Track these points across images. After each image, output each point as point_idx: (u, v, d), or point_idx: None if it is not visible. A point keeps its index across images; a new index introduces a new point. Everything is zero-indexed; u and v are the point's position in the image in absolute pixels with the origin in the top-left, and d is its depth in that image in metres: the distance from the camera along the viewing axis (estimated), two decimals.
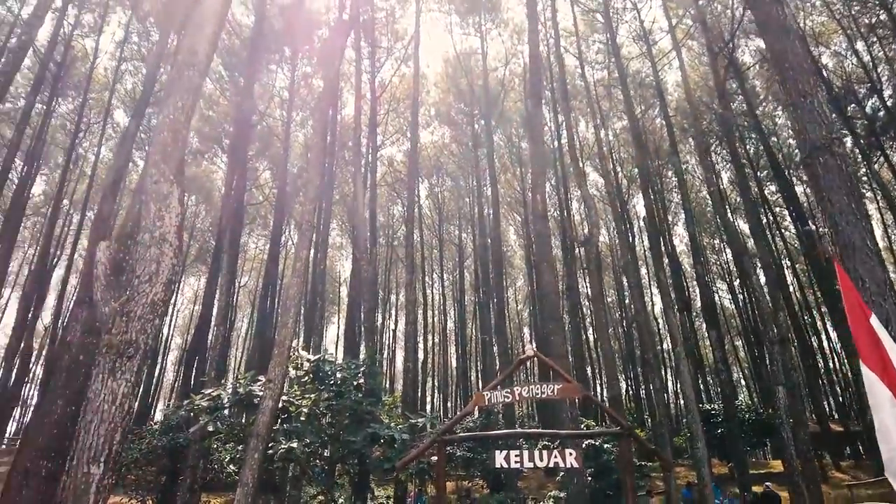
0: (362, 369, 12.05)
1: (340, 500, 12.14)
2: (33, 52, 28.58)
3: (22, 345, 27.21)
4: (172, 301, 48.79)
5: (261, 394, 9.39)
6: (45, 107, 29.87)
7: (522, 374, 52.38)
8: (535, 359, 8.13)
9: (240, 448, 12.22)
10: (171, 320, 51.88)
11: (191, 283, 56.89)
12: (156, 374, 45.80)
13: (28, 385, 38.98)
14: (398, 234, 51.41)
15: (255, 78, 29.52)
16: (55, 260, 36.33)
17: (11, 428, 42.67)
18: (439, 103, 42.70)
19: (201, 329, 21.59)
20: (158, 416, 38.43)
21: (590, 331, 48.36)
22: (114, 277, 5.31)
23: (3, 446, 31.04)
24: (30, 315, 28.07)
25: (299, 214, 8.89)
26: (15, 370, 26.45)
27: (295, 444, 9.51)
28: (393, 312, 59.63)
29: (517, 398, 7.57)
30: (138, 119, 15.18)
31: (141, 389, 38.54)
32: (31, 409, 37.14)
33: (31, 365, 37.31)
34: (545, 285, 13.22)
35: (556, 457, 6.97)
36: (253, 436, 8.15)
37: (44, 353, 38.73)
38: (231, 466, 12.84)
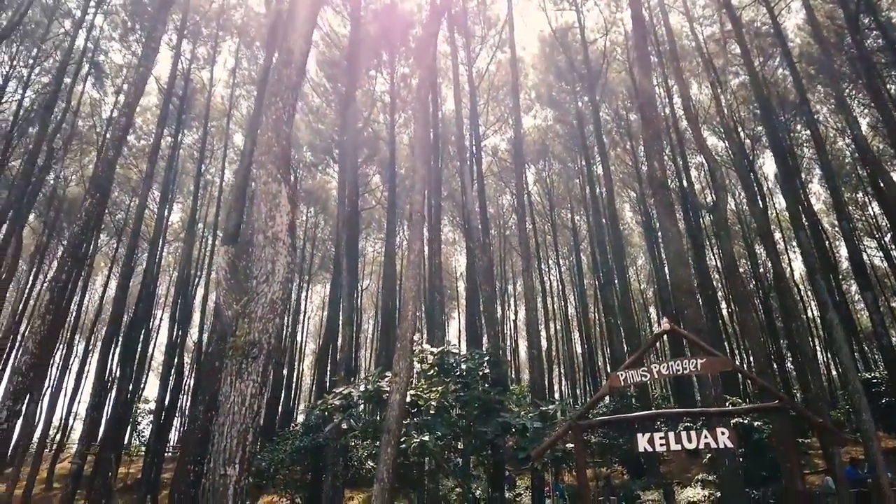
0: (486, 359, 11.84)
1: (478, 492, 11.99)
2: (158, 88, 31.00)
3: (175, 360, 29.60)
4: (302, 308, 51.33)
5: (388, 389, 9.39)
6: (172, 139, 32.28)
7: (651, 356, 50.17)
8: (670, 335, 7.48)
9: (376, 444, 12.43)
10: (303, 327, 54.46)
11: (317, 290, 59.48)
12: (294, 379, 48.27)
13: (184, 397, 42.37)
14: (510, 223, 50.98)
15: (356, 85, 30.26)
16: (196, 280, 39.19)
17: (174, 437, 46.77)
18: (539, 85, 41.75)
19: (330, 332, 22.37)
20: (300, 419, 40.42)
21: (722, 304, 45.41)
22: (234, 281, 5.40)
23: (168, 454, 33.96)
24: (179, 332, 30.47)
25: (409, 211, 8.86)
26: (171, 384, 28.80)
27: (427, 438, 9.44)
28: (512, 303, 59.29)
29: (655, 376, 6.97)
30: (252, 137, 15.86)
31: (283, 394, 40.92)
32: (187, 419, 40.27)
33: (184, 378, 40.63)
34: (672, 257, 12.32)
35: (706, 437, 6.32)
36: (384, 431, 8.14)
37: (194, 367, 41.96)
38: (369, 463, 13.09)
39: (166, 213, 32.39)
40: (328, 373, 26.17)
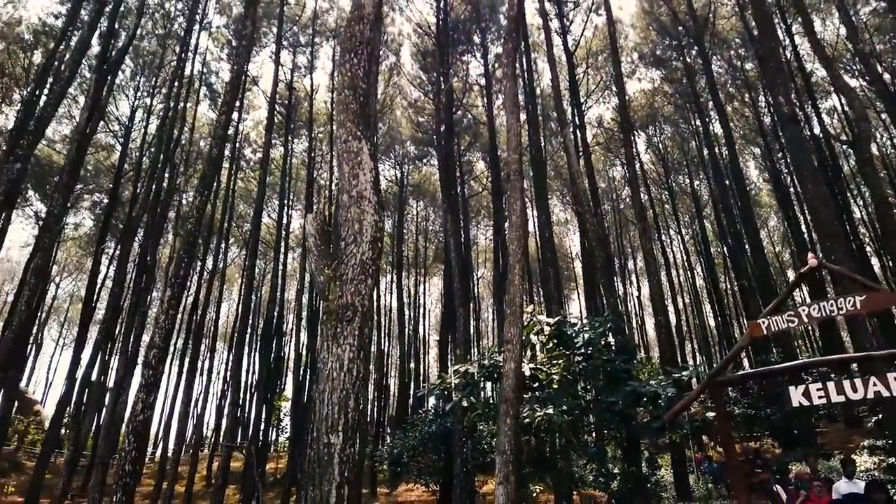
0: (608, 326, 11.09)
1: (614, 470, 11.29)
2: (265, 98, 32.44)
3: (305, 359, 31.06)
4: (422, 302, 52.22)
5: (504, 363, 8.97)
6: (284, 148, 33.71)
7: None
8: (818, 273, 6.47)
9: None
10: (425, 321, 55.33)
11: (435, 283, 60.18)
12: (421, 371, 49.11)
13: None
14: (623, 195, 48.90)
15: (450, 73, 30.10)
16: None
17: None
18: (640, 45, 39.53)
19: (447, 318, 22.36)
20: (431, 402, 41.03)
21: (873, 260, 40.86)
22: (324, 247, 5.22)
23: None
24: (308, 332, 31.89)
25: (506, 172, 8.29)
26: (306, 381, 30.30)
27: (551, 411, 8.93)
28: (634, 279, 56.92)
29: (804, 320, 5.98)
30: None
31: (412, 385, 41.79)
32: None
33: None
34: (811, 197, 10.93)
35: (875, 384, 5.32)
36: (502, 401, 7.74)
37: None
38: (492, 440, 12.77)
39: (284, 220, 33.85)
40: (449, 363, 26.24)
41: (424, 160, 43.60)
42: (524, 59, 26.39)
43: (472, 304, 40.11)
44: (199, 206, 10.02)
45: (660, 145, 45.87)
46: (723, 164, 33.03)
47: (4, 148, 22.43)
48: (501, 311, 28.88)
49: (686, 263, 53.33)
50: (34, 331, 42.56)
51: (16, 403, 40.47)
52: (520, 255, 8.32)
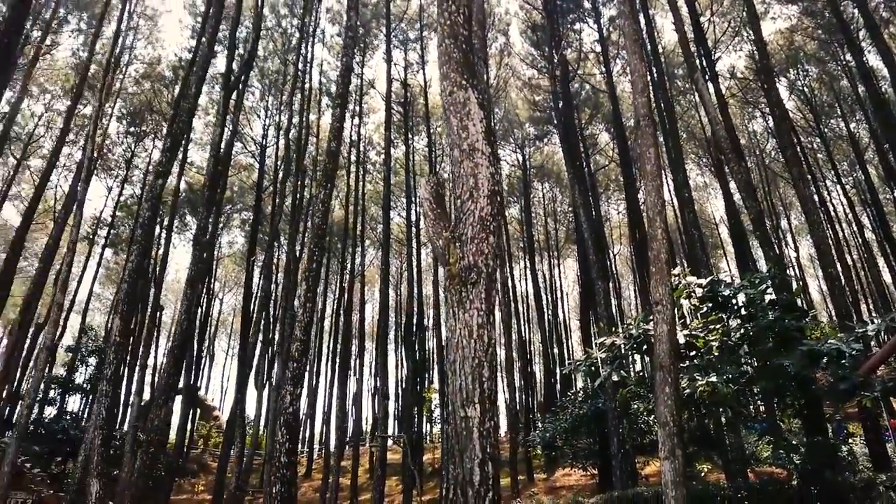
0: (770, 282, 9.83)
1: (794, 442, 10.05)
2: (381, 99, 33.14)
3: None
4: (558, 286, 51.09)
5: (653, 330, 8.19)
6: (405, 147, 34.29)
7: None
8: None
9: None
10: (563, 304, 54.19)
11: (570, 265, 58.72)
12: (565, 355, 48.07)
13: None
14: (768, 149, 44.75)
15: (562, 45, 28.99)
16: None
17: None
18: None
19: (585, 295, 21.51)
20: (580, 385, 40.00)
21: None
22: (440, 209, 4.87)
23: None
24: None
25: (635, 117, 7.48)
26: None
27: (714, 378, 8.01)
28: (789, 240, 52.05)
29: None
30: None
31: (558, 370, 40.98)
32: None
33: None
34: None
35: None
36: (657, 369, 6.99)
37: None
38: (650, 417, 11.90)
39: (413, 217, 34.43)
40: (593, 341, 25.25)
41: (545, 140, 42.51)
42: (642, 16, 24.75)
43: (610, 282, 38.55)
44: (323, 198, 10.20)
45: (804, 89, 41.41)
46: (887, 98, 29.12)
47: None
48: (644, 288, 27.39)
49: (850, 216, 47.82)
50: (206, 344, 46.67)
51: (198, 411, 44.74)
52: (659, 206, 7.48)
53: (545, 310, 44.30)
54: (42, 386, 29.72)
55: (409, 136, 34.35)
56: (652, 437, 18.69)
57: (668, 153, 24.06)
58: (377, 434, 23.63)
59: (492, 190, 4.50)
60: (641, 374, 11.98)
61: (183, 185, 33.42)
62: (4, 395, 22.54)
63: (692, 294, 9.99)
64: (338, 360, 36.02)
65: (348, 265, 36.19)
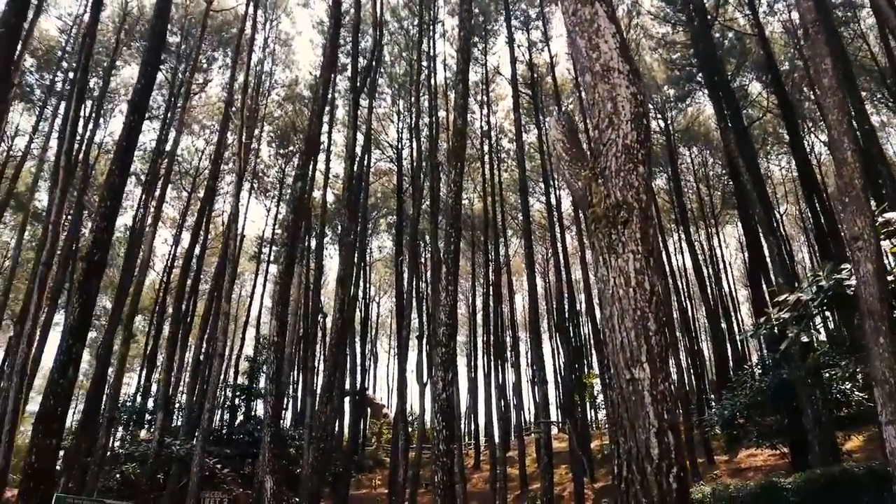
0: None
1: None
2: (508, 84, 32.49)
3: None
4: (719, 255, 47.33)
5: (849, 279, 6.89)
6: (536, 129, 33.49)
7: None
8: None
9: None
10: (726, 275, 50.07)
11: (730, 231, 54.30)
12: (734, 329, 44.39)
13: None
14: None
15: None
16: None
17: None
18: None
19: (754, 260, 19.50)
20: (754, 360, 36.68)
21: None
22: (575, 149, 4.22)
23: None
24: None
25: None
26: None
27: None
28: None
29: None
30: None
31: (728, 347, 37.88)
32: None
33: None
34: None
35: None
36: (865, 317, 5.75)
37: None
38: (847, 386, 10.21)
39: (553, 201, 33.56)
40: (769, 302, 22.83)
41: (687, 100, 39.46)
42: None
43: (781, 245, 34.81)
44: (454, 178, 9.86)
45: None
46: None
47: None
48: (822, 245, 24.33)
49: None
50: (367, 346, 48.85)
51: (368, 410, 46.96)
52: (844, 125, 6.18)
53: (707, 283, 41.13)
54: (224, 392, 32.66)
55: (540, 117, 33.40)
56: (850, 410, 16.42)
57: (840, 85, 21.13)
58: (540, 420, 23.10)
59: (635, 112, 3.79)
60: (834, 333, 10.36)
61: (331, 198, 35.12)
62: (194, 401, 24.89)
63: (893, 234, 8.33)
64: (492, 352, 36.01)
65: (492, 257, 35.96)
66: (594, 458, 32.42)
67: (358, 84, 17.89)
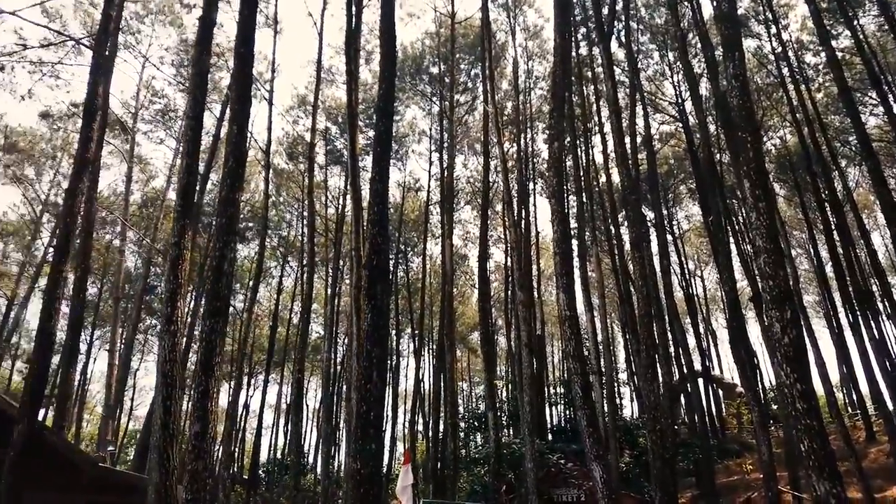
0: None
1: None
2: None
3: None
4: None
5: None
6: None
7: None
8: None
9: None
10: None
11: None
12: None
13: None
14: None
15: None
16: None
17: None
18: None
19: None
20: None
21: None
22: None
23: None
24: None
25: None
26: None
27: None
28: None
29: None
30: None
31: None
32: None
33: None
34: None
35: None
36: None
37: None
38: None
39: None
40: None
41: None
42: None
43: None
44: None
45: None
46: None
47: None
48: None
49: None
50: (701, 325, 45.20)
51: (718, 392, 43.16)
52: None
53: None
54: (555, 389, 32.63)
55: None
56: None
57: None
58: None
59: None
60: None
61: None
62: None
63: None
64: (854, 306, 30.06)
65: (826, 195, 30.36)
66: None
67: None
